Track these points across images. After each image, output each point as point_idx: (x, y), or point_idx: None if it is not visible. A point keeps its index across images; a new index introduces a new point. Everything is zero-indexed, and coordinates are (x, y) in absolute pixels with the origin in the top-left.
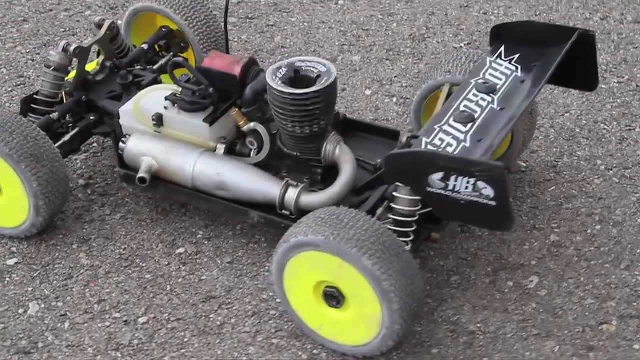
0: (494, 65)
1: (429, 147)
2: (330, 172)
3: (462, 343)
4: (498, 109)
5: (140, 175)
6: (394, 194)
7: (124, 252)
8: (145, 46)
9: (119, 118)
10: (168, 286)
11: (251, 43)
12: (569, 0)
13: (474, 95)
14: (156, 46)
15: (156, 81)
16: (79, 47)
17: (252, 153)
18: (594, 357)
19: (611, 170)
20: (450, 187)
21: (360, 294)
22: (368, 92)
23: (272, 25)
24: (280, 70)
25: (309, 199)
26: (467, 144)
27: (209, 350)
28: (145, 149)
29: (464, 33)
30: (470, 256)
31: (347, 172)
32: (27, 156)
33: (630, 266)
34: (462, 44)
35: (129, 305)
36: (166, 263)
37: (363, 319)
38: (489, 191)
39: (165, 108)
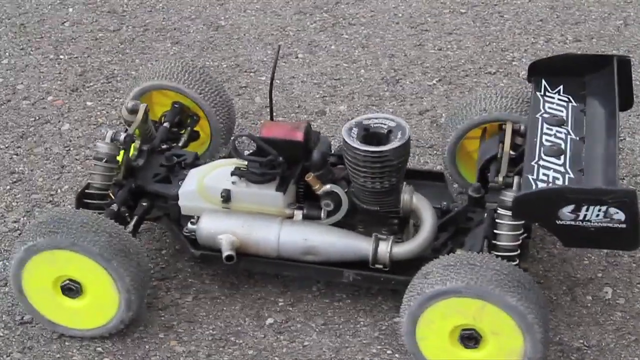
0: (547, 98)
1: (539, 183)
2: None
3: None
4: (577, 139)
5: (227, 253)
6: (496, 231)
7: (215, 332)
8: (166, 124)
9: (174, 200)
10: (276, 358)
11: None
12: (510, 28)
13: (548, 129)
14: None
15: (197, 158)
16: (128, 135)
17: (322, 214)
18: None
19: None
20: (581, 217)
21: (502, 331)
22: None
23: (245, 87)
24: (353, 131)
25: (401, 249)
26: (572, 176)
27: None
28: (222, 227)
29: (431, 70)
30: (541, 279)
31: (429, 218)
32: (116, 252)
33: None
34: (434, 81)
35: None
36: (262, 336)
37: (503, 354)
38: (620, 215)
39: (233, 183)
